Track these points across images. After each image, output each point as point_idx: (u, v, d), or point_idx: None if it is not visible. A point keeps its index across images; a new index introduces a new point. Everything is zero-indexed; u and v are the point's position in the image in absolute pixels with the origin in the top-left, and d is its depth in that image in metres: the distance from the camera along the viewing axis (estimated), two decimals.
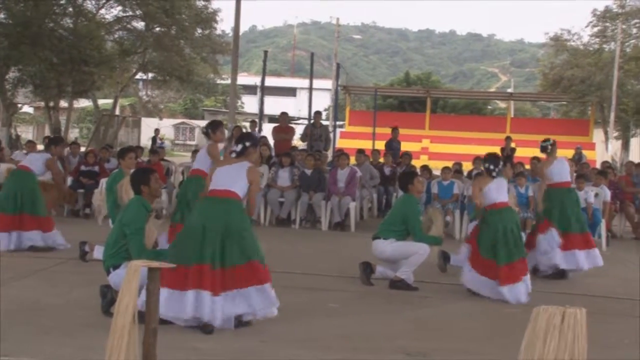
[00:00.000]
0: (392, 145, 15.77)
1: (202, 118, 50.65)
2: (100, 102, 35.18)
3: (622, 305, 6.73)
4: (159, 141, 25.62)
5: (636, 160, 14.26)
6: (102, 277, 5.43)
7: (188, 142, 44.62)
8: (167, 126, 45.31)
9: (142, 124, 40.11)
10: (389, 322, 5.66)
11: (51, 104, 24.87)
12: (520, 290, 6.51)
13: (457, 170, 12.25)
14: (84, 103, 37.06)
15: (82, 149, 14.12)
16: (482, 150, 13.88)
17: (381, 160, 13.84)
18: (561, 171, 8.07)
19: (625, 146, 32.49)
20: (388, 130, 21.21)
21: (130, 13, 25.79)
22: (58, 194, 10.38)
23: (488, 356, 4.79)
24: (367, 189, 12.44)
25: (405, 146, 15.37)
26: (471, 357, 4.79)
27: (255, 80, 41.50)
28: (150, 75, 30.97)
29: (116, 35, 26.96)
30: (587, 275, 8.14)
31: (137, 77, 33.80)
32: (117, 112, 32.39)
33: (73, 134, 37.09)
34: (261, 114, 14.56)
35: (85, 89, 24.40)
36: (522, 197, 10.69)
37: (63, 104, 27.76)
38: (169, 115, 49.37)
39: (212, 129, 7.37)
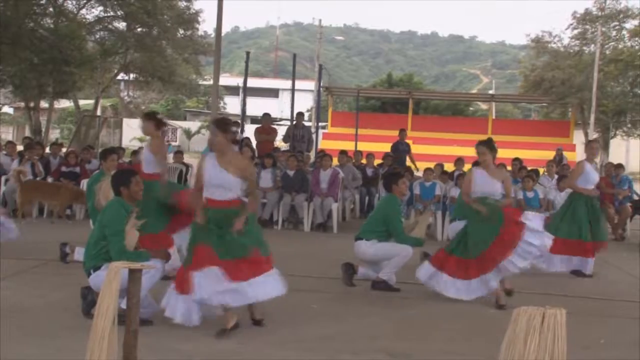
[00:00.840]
0: (399, 147, 14.85)
1: (184, 119, 50.43)
2: (82, 102, 34.86)
3: (601, 305, 6.79)
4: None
5: (616, 162, 14.38)
6: (83, 278, 5.39)
7: (170, 143, 44.37)
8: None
9: (124, 125, 39.84)
10: (372, 323, 5.67)
11: (31, 104, 24.62)
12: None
13: (444, 172, 12.27)
14: (64, 104, 36.74)
15: (64, 150, 13.99)
16: (464, 152, 13.97)
17: (363, 161, 13.87)
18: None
19: (605, 147, 32.81)
20: (370, 132, 21.14)
21: (112, 13, 25.61)
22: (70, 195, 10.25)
23: (469, 356, 4.82)
24: (349, 190, 12.46)
25: (386, 147, 15.30)
26: (453, 358, 4.82)
27: (237, 81, 41.37)
28: (132, 75, 30.77)
29: (97, 36, 26.76)
30: (567, 276, 8.21)
31: (119, 77, 33.56)
32: (99, 112, 32.13)
33: (54, 134, 36.76)
34: (243, 115, 14.52)
35: (66, 90, 24.15)
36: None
37: (43, 104, 27.50)
38: None
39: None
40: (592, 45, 30.89)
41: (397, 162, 13.58)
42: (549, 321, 2.50)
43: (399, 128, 16.22)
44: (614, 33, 31.32)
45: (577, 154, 28.94)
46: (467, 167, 12.80)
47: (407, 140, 15.41)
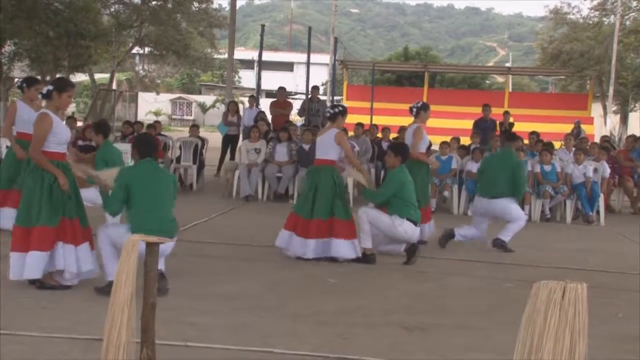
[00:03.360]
0: (480, 125, 13.60)
1: (200, 93, 50.42)
2: (97, 76, 34.94)
3: (619, 279, 6.74)
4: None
5: (635, 135, 14.20)
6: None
7: (185, 117, 44.45)
8: (164, 101, 45.08)
9: (139, 99, 39.94)
10: (387, 297, 5.66)
11: (47, 78, 24.69)
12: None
13: (461, 146, 12.14)
14: (80, 77, 36.82)
15: (80, 124, 14.04)
16: None
17: (379, 135, 13.77)
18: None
19: (624, 120, 32.43)
20: (386, 105, 20.88)
21: None
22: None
23: (486, 331, 4.81)
24: (365, 164, 12.39)
25: (402, 121, 15.15)
26: (469, 332, 4.80)
27: (252, 54, 41.17)
28: (146, 49, 30.73)
29: (112, 9, 26.69)
30: (585, 250, 8.16)
31: (134, 51, 33.54)
32: (114, 86, 32.18)
33: (70, 108, 36.87)
34: (258, 89, 14.50)
35: (82, 63, 24.22)
36: None
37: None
38: (166, 90, 49.10)
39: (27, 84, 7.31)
40: (612, 16, 30.34)
41: (482, 142, 12.41)
42: (569, 295, 2.47)
43: (485, 104, 14.33)
44: (634, 3, 30.70)
45: (595, 127, 28.66)
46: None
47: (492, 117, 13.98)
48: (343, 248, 6.72)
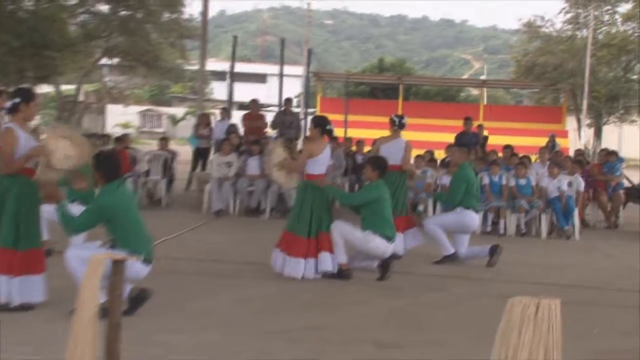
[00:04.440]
0: (462, 139, 12.73)
1: (170, 105, 50.18)
2: (63, 88, 34.57)
3: (594, 294, 6.82)
4: None
5: (608, 148, 14.43)
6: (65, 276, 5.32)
7: (155, 130, 44.16)
8: (133, 113, 44.77)
9: (108, 111, 39.63)
10: (362, 313, 5.66)
11: (11, 89, 24.37)
12: None
13: (431, 159, 12.26)
14: (46, 89, 36.41)
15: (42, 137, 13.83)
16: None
17: (353, 148, 13.81)
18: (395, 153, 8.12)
19: (598, 134, 32.94)
20: (361, 118, 20.88)
21: None
22: None
23: (462, 347, 4.82)
24: (338, 178, 12.41)
25: (377, 133, 15.15)
26: (445, 349, 4.81)
27: (224, 66, 41.13)
28: (115, 60, 30.48)
29: (80, 19, 26.44)
30: (560, 265, 8.24)
31: (102, 62, 33.25)
32: (81, 98, 31.87)
33: (35, 120, 36.41)
34: (230, 101, 14.45)
35: (48, 75, 23.89)
36: (496, 186, 10.78)
37: None
38: (135, 101, 48.76)
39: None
40: (585, 30, 30.90)
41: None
42: (543, 311, 2.49)
43: (466, 117, 13.95)
44: (606, 17, 31.32)
45: (570, 140, 29.06)
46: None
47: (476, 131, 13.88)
48: (331, 261, 6.73)
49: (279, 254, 6.79)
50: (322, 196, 6.89)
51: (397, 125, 8.22)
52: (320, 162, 6.98)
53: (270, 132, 14.22)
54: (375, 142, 12.00)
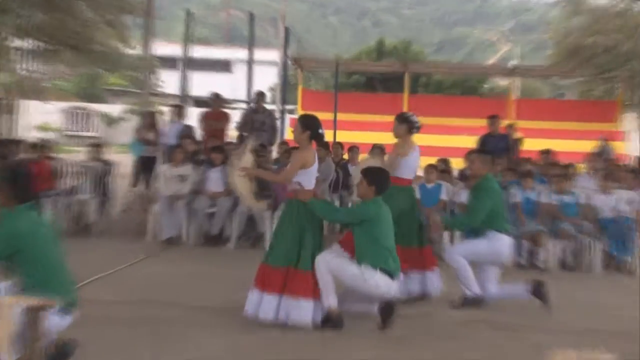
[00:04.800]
0: (488, 141, 13.09)
1: (104, 101, 50.07)
2: None
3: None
4: None
5: None
6: None
7: (84, 133, 44.04)
8: (55, 111, 44.64)
9: (20, 109, 39.41)
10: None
11: None
12: None
13: (444, 170, 12.29)
14: None
15: None
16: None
17: (345, 156, 13.84)
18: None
19: None
20: (354, 117, 21.00)
21: None
22: None
23: None
24: (328, 195, 12.42)
25: (375, 137, 15.25)
26: None
27: (176, 50, 41.15)
28: (31, 42, 30.43)
29: None
30: (615, 308, 8.26)
31: (14, 45, 33.19)
32: None
33: None
34: (185, 96, 14.44)
35: None
36: (530, 204, 10.79)
37: None
38: (57, 97, 48.63)
39: None
40: None
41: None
42: None
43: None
44: None
45: (628, 145, 29.25)
46: None
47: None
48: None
49: (256, 295, 6.77)
50: (315, 218, 6.94)
51: (417, 128, 8.16)
52: (311, 175, 7.00)
53: (236, 135, 14.23)
54: (373, 150, 12.05)
